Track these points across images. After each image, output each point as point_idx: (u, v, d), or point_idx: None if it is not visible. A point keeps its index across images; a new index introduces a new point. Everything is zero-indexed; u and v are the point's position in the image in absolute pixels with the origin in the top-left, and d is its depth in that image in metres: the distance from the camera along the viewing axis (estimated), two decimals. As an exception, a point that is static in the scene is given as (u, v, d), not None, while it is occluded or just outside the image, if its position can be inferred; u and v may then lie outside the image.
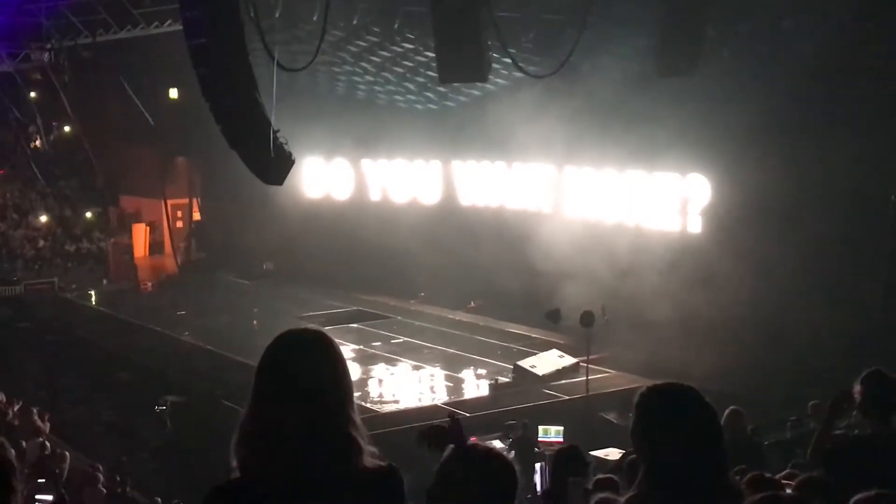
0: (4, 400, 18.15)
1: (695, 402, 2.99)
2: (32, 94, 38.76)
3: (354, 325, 25.60)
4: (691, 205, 21.01)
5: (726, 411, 8.64)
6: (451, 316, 26.01)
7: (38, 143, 40.73)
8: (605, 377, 19.51)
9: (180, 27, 15.79)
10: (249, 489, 2.72)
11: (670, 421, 2.95)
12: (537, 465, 13.75)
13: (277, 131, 15.28)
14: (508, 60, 17.06)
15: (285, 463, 2.70)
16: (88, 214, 38.12)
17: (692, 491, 2.88)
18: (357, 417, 2.77)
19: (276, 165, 15.74)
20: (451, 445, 2.96)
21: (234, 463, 2.77)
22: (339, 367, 2.80)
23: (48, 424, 17.68)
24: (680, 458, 2.89)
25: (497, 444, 16.10)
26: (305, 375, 2.76)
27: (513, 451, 16.07)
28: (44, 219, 37.10)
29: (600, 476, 5.83)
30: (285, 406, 2.75)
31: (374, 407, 18.31)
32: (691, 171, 20.72)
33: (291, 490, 2.68)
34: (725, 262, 18.43)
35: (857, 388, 5.09)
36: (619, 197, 22.55)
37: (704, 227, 20.66)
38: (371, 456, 2.76)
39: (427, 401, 19.37)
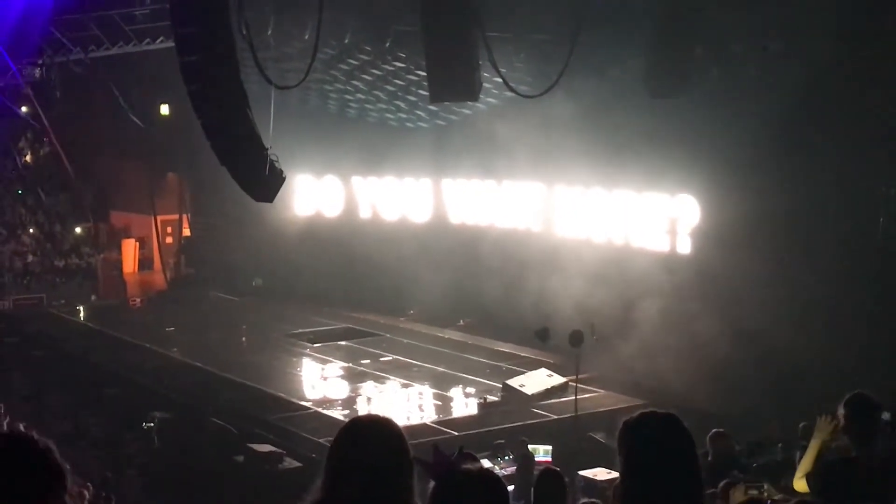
0: (-9, 416, 18.09)
1: (672, 430, 3.08)
2: (24, 109, 38.74)
3: (343, 343, 25.57)
4: (680, 225, 21.09)
5: (710, 433, 8.68)
6: (440, 334, 26.00)
7: (27, 158, 40.67)
8: (593, 396, 19.52)
9: (172, 44, 15.85)
10: None
11: (647, 448, 3.03)
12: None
13: (269, 149, 15.32)
14: (499, 80, 17.14)
15: None
16: (78, 230, 38.05)
17: None
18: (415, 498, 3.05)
19: (267, 183, 15.76)
20: (434, 480, 3.07)
21: None
22: (404, 454, 3.10)
23: (35, 440, 17.62)
24: (656, 484, 2.98)
25: (485, 463, 16.12)
26: (373, 465, 3.03)
27: (514, 467, 16.12)
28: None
29: (584, 501, 5.88)
30: (353, 491, 3.01)
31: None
32: (680, 192, 20.80)
33: None
34: (715, 283, 18.52)
35: (841, 410, 5.14)
36: (608, 216, 22.62)
37: (693, 247, 20.74)
38: None
39: (416, 419, 19.35)
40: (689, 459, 3.08)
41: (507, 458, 16.22)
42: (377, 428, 3.14)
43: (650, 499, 3.01)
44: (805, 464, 5.28)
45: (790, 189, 17.72)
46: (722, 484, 7.05)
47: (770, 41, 17.54)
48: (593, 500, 5.65)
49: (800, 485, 5.32)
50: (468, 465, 3.05)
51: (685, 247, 21.00)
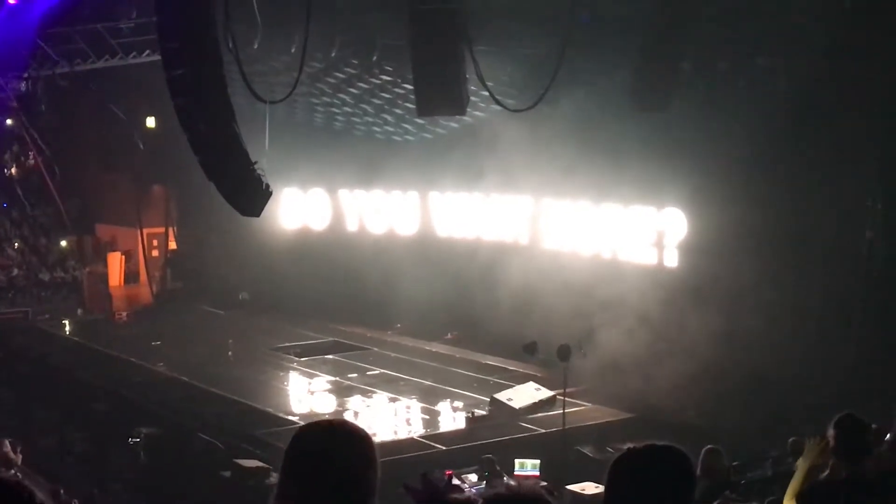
0: (-24, 432, 17.97)
1: (668, 465, 3.02)
2: (8, 122, 38.61)
3: (330, 357, 25.50)
4: (667, 238, 21.12)
5: (703, 450, 8.67)
6: (427, 347, 25.95)
7: (13, 170, 40.52)
8: (581, 410, 19.50)
9: (159, 57, 15.82)
10: None
11: (641, 485, 2.99)
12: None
13: (255, 163, 15.28)
14: (486, 94, 17.16)
15: None
16: (63, 243, 37.89)
17: None
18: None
19: (253, 197, 15.72)
20: None
21: None
22: (364, 460, 2.95)
23: (20, 456, 17.52)
24: None
25: (472, 477, 16.10)
26: (330, 471, 2.90)
27: (484, 485, 16.07)
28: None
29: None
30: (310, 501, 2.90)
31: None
32: (668, 205, 20.84)
33: None
34: (702, 296, 18.54)
35: (830, 431, 5.14)
36: (595, 230, 22.63)
37: (681, 260, 20.77)
38: None
39: (403, 434, 19.30)
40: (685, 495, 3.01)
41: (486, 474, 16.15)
42: (331, 434, 3.05)
43: None
44: (794, 485, 5.27)
45: (777, 203, 17.79)
46: None
47: (757, 57, 17.62)
48: None
49: (789, 506, 5.31)
50: (456, 496, 3.03)
51: (672, 260, 21.03)
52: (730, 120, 18.15)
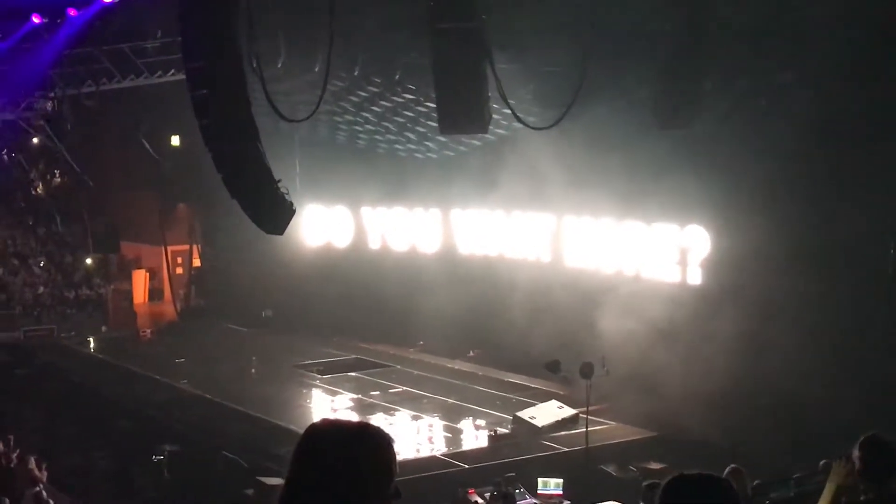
0: (2, 448, 18.08)
1: (714, 494, 3.05)
2: (35, 141, 38.96)
3: (353, 374, 25.54)
4: (691, 256, 21.02)
5: (726, 470, 8.61)
6: (449, 365, 25.95)
7: (39, 188, 40.88)
8: (604, 429, 19.44)
9: (183, 76, 15.95)
10: None
11: None
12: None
13: (279, 181, 15.37)
14: (508, 111, 17.18)
15: None
16: (88, 261, 38.15)
17: None
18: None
19: (277, 215, 15.82)
20: None
21: None
22: (376, 458, 2.89)
23: (45, 473, 17.61)
24: None
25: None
26: (340, 466, 2.84)
27: None
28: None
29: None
30: (318, 495, 2.83)
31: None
32: (690, 223, 20.76)
33: None
34: (725, 314, 18.43)
35: (855, 452, 5.11)
36: (617, 247, 22.57)
37: (704, 278, 20.67)
38: None
39: (425, 451, 19.29)
40: None
41: (519, 490, 16.13)
42: (339, 434, 2.97)
43: None
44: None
45: (801, 220, 17.69)
46: None
47: (779, 75, 17.56)
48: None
49: (815, 528, 5.28)
50: None
51: (696, 277, 20.94)
52: (752, 138, 18.09)
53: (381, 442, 2.94)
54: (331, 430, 2.98)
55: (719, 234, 20.12)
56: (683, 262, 21.13)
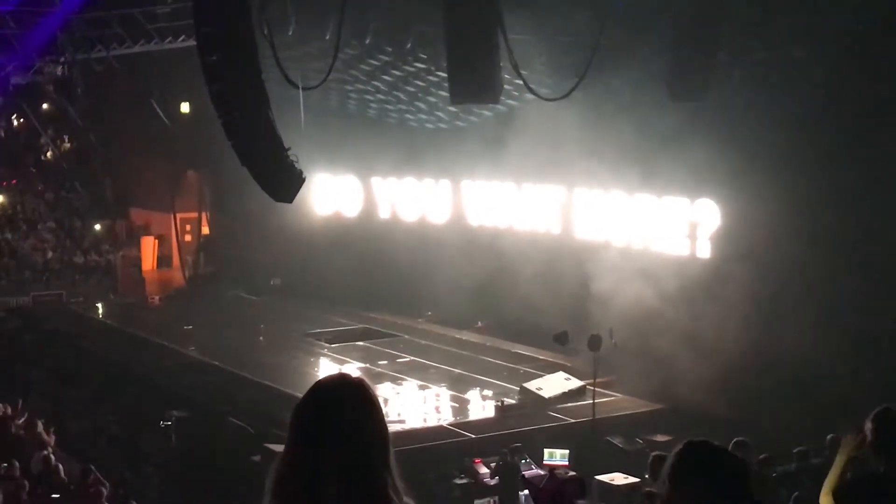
0: (10, 412, 18.21)
1: (727, 461, 3.08)
2: (45, 106, 38.97)
3: (361, 343, 25.57)
4: (700, 229, 20.94)
5: (731, 443, 8.61)
6: (457, 335, 25.96)
7: (48, 154, 40.91)
8: (611, 401, 19.46)
9: (194, 42, 15.88)
10: None
11: (703, 476, 3.01)
12: (521, 495, 13.74)
13: (289, 149, 15.33)
14: (520, 82, 17.08)
15: None
16: (97, 226, 38.21)
17: None
18: (393, 464, 2.80)
19: (287, 183, 15.80)
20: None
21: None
22: (376, 415, 2.83)
23: (53, 437, 17.74)
24: None
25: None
26: (343, 422, 2.77)
27: (496, 478, 16.12)
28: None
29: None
30: (321, 451, 2.76)
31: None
32: (700, 196, 20.66)
33: None
34: (735, 288, 18.39)
35: (868, 425, 5.09)
36: (628, 220, 22.49)
37: (713, 251, 20.60)
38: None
39: (432, 421, 19.33)
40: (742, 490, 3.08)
41: (525, 460, 16.18)
42: (346, 390, 2.85)
43: None
44: (831, 479, 5.22)
45: (811, 195, 17.60)
46: None
47: (793, 47, 17.42)
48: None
49: (826, 500, 5.26)
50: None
51: (705, 251, 20.87)
52: (765, 111, 17.96)
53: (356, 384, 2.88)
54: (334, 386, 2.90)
55: (730, 207, 20.02)
56: (693, 236, 21.06)
